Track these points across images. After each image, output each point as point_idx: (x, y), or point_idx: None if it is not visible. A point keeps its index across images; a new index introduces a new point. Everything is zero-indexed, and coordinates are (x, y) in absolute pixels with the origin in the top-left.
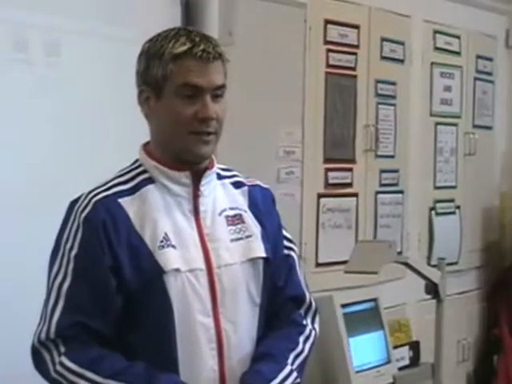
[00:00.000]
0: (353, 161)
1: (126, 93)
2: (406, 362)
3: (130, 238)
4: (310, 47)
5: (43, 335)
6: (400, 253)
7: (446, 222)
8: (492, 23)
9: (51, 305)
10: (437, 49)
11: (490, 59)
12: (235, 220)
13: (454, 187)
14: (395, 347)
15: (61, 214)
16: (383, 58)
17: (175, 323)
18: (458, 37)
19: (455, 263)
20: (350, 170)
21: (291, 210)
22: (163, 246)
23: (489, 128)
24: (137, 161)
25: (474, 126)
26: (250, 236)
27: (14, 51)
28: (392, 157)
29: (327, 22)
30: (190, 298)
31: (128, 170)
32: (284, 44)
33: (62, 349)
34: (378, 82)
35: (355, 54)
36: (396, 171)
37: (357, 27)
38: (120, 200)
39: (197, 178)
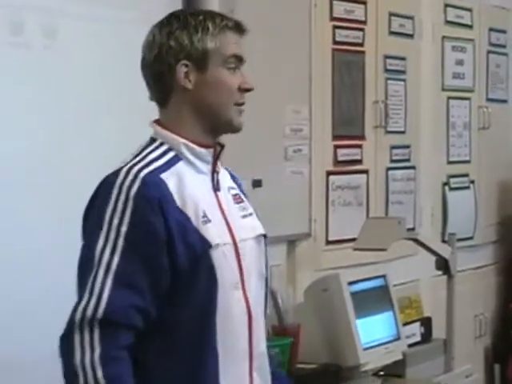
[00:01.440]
0: (362, 137)
1: (124, 75)
2: (418, 338)
3: (175, 213)
4: (316, 24)
5: (90, 311)
6: (413, 229)
7: (460, 196)
8: None
9: (100, 280)
10: (448, 22)
11: (503, 31)
12: (237, 198)
13: (467, 162)
14: (406, 324)
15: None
16: (392, 33)
17: (218, 297)
18: (469, 10)
19: (470, 238)
20: (360, 146)
21: (300, 188)
22: (205, 222)
23: (504, 101)
24: (154, 139)
25: (488, 100)
26: (251, 214)
27: (11, 35)
28: (403, 132)
29: None
30: (227, 272)
31: (153, 147)
32: (289, 22)
33: (97, 347)
34: (386, 57)
35: (362, 29)
36: (407, 147)
37: (364, 3)
38: (161, 176)
39: (214, 155)
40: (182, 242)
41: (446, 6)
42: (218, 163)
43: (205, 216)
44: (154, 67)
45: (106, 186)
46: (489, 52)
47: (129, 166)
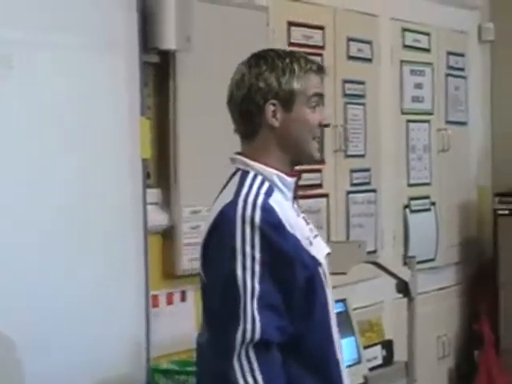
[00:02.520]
0: (322, 161)
1: (81, 101)
2: (379, 361)
3: (290, 236)
4: None
5: (248, 335)
6: (374, 252)
7: (421, 219)
8: (463, 19)
9: (249, 306)
10: (406, 46)
11: (461, 55)
12: (306, 221)
13: (428, 184)
14: (367, 347)
15: None
16: (350, 57)
17: (329, 309)
18: (427, 34)
19: (432, 260)
20: (319, 170)
21: None
22: (310, 243)
23: (463, 123)
24: (246, 172)
25: (447, 122)
26: (318, 235)
27: None
28: (363, 156)
29: (290, 24)
30: (328, 286)
31: (251, 179)
32: (246, 48)
33: (257, 369)
34: (345, 81)
35: (321, 54)
36: (367, 170)
37: (321, 28)
38: (270, 203)
39: (296, 183)
40: (299, 261)
41: (404, 30)
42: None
43: (308, 238)
44: (243, 106)
45: (227, 217)
46: (447, 75)
47: (242, 196)
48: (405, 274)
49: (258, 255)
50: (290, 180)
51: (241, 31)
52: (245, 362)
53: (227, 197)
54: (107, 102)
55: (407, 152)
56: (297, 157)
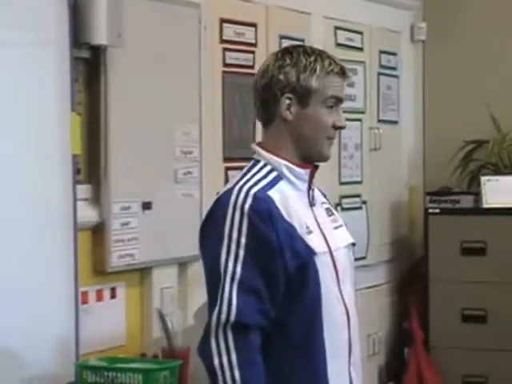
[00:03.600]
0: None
1: (10, 96)
2: None
3: (283, 224)
4: (206, 47)
5: (223, 316)
6: None
7: (352, 217)
8: (396, 19)
9: (227, 288)
10: (338, 45)
11: (393, 54)
12: (329, 211)
13: (359, 182)
14: None
15: None
16: None
17: (322, 299)
18: (360, 32)
19: (363, 258)
20: None
21: (190, 210)
22: (309, 232)
23: (395, 122)
24: (257, 161)
25: (379, 121)
26: (341, 225)
27: None
28: None
29: (223, 20)
30: (327, 277)
31: (258, 168)
32: (178, 44)
33: (233, 350)
34: None
35: (253, 52)
36: None
37: (254, 25)
38: (268, 193)
39: (310, 175)
40: (290, 249)
41: (337, 28)
42: (313, 181)
43: (308, 227)
44: (263, 94)
45: (220, 204)
46: (380, 74)
47: (239, 185)
48: None
49: (243, 241)
50: (302, 171)
51: (172, 27)
52: (222, 342)
53: (230, 184)
54: (37, 97)
55: (339, 150)
56: (307, 152)
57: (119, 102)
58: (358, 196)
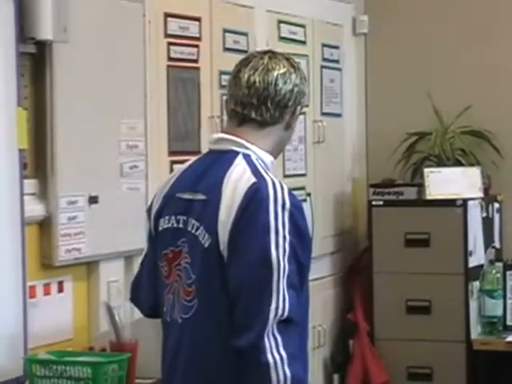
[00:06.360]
0: (198, 152)
1: None
2: None
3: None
4: (150, 41)
5: (280, 312)
6: None
7: None
8: (338, 12)
9: (282, 284)
10: (282, 38)
11: (336, 47)
12: None
13: (303, 175)
14: None
15: None
16: (226, 49)
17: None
18: (302, 26)
19: None
20: None
21: (136, 204)
22: None
23: (338, 115)
24: (248, 155)
25: (323, 114)
26: None
27: None
28: None
29: (167, 15)
30: None
31: (263, 165)
32: (122, 38)
33: (285, 339)
34: (222, 73)
35: (197, 46)
36: None
37: (198, 19)
38: None
39: None
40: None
41: (280, 22)
42: None
43: None
44: (283, 99)
45: (259, 197)
46: (322, 67)
47: (270, 178)
48: None
49: (287, 235)
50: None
51: (117, 22)
52: (272, 339)
53: (241, 176)
54: None
55: None
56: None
57: (65, 97)
58: (302, 188)
